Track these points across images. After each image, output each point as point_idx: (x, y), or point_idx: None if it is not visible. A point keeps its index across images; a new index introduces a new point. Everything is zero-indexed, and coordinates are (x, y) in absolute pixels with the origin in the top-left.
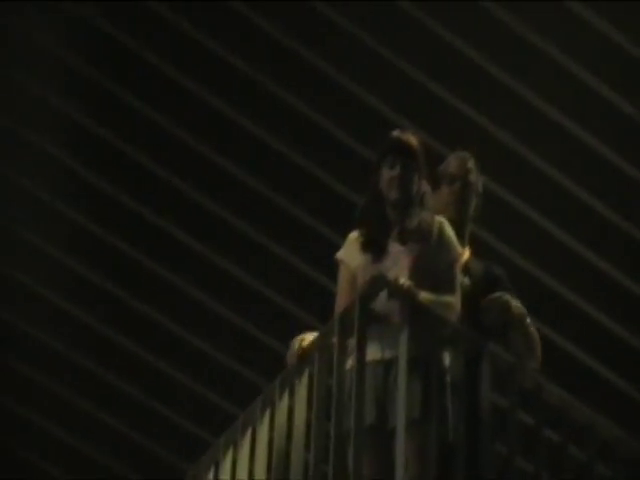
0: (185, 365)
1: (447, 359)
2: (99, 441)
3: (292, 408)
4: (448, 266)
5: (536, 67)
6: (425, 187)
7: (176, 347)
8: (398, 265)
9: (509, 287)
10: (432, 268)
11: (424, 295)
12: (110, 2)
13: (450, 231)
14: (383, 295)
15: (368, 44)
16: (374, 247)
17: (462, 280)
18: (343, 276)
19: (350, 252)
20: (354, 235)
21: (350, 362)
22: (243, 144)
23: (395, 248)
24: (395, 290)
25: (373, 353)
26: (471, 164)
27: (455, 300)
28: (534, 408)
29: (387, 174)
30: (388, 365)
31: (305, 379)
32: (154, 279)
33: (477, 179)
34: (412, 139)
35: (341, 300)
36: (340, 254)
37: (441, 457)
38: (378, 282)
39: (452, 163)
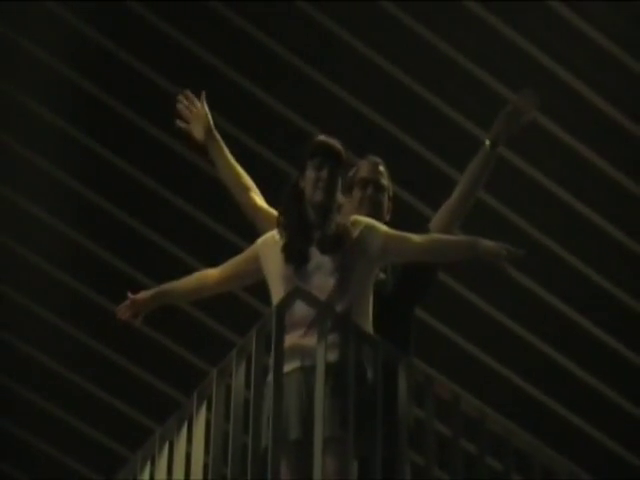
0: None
1: (369, 369)
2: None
3: (210, 421)
4: (389, 237)
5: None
6: (341, 196)
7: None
8: (322, 272)
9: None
10: (357, 271)
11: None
12: None
13: (365, 219)
14: (301, 303)
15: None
16: (298, 257)
17: (378, 275)
18: (245, 255)
19: (269, 252)
20: (274, 236)
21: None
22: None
23: (317, 255)
24: (313, 300)
25: (293, 362)
26: (382, 168)
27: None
28: (451, 419)
29: (313, 175)
30: (308, 373)
31: (223, 392)
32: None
33: (388, 183)
34: (339, 145)
35: (227, 264)
36: (259, 244)
37: (360, 472)
38: (295, 294)
39: (364, 167)
